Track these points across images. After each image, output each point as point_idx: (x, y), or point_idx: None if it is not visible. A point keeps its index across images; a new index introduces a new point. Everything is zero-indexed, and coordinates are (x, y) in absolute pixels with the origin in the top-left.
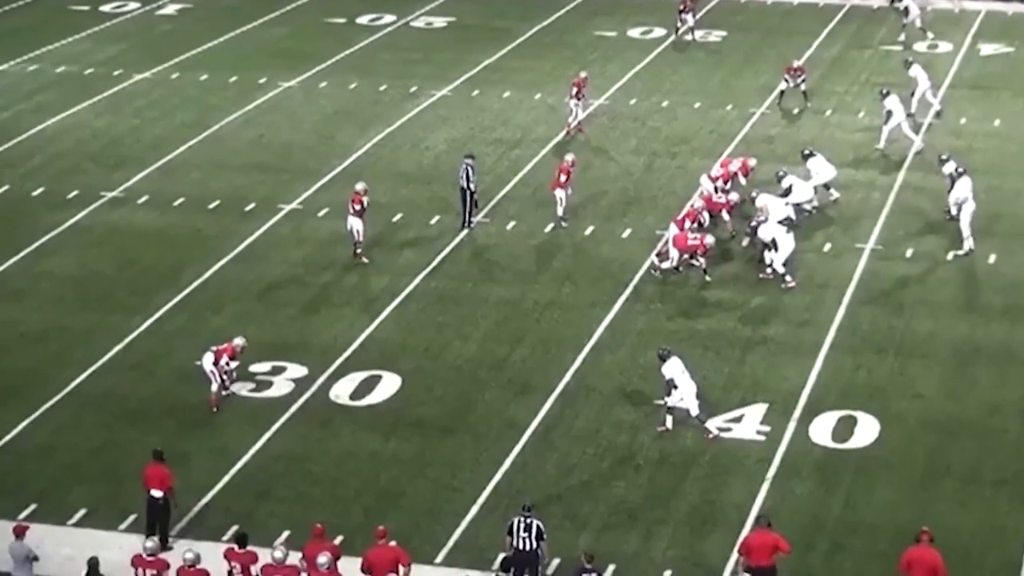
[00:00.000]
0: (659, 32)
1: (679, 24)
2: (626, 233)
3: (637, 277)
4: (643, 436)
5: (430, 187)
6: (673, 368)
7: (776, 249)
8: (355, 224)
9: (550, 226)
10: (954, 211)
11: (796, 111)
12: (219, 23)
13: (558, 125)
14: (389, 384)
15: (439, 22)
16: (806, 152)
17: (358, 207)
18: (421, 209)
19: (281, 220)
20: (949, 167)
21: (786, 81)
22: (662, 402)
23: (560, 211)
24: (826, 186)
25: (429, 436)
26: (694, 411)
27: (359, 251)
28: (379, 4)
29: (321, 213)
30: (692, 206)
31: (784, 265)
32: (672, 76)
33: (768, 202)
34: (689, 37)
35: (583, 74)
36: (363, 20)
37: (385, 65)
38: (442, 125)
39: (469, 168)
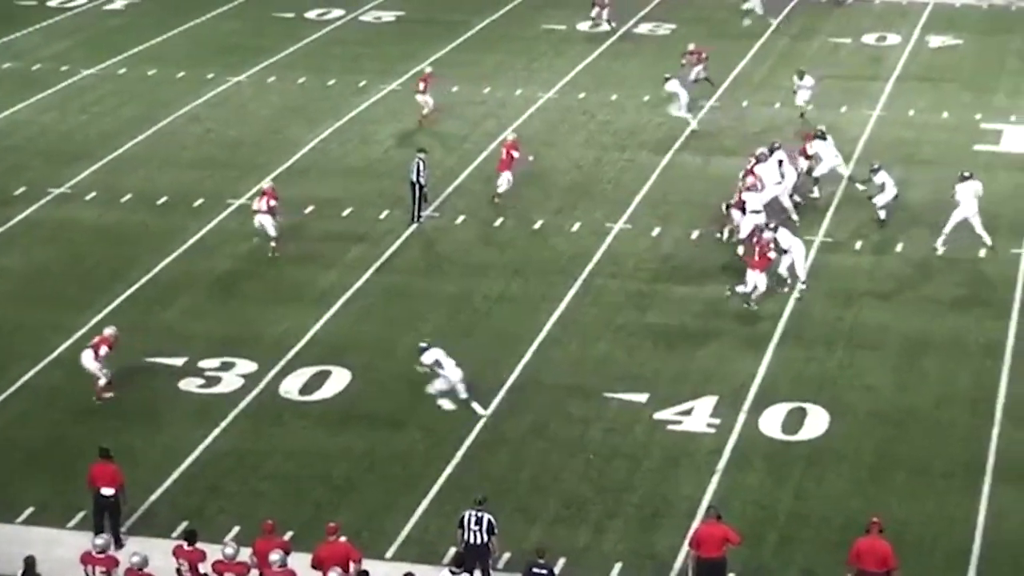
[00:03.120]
0: (608, 25)
1: (595, 18)
2: (576, 227)
3: (587, 271)
4: (593, 430)
5: (379, 182)
6: (435, 355)
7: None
8: (264, 222)
9: (499, 220)
10: (882, 215)
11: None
12: (167, 18)
13: (508, 119)
14: (339, 379)
15: (388, 16)
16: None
17: (266, 206)
18: (371, 204)
19: (230, 215)
20: (881, 176)
21: (683, 65)
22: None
23: (500, 190)
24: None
25: (379, 431)
26: (463, 395)
27: (275, 247)
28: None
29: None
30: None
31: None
32: (621, 70)
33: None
34: (603, 28)
35: (428, 70)
36: (311, 15)
37: (334, 60)
38: (391, 120)
39: (420, 162)
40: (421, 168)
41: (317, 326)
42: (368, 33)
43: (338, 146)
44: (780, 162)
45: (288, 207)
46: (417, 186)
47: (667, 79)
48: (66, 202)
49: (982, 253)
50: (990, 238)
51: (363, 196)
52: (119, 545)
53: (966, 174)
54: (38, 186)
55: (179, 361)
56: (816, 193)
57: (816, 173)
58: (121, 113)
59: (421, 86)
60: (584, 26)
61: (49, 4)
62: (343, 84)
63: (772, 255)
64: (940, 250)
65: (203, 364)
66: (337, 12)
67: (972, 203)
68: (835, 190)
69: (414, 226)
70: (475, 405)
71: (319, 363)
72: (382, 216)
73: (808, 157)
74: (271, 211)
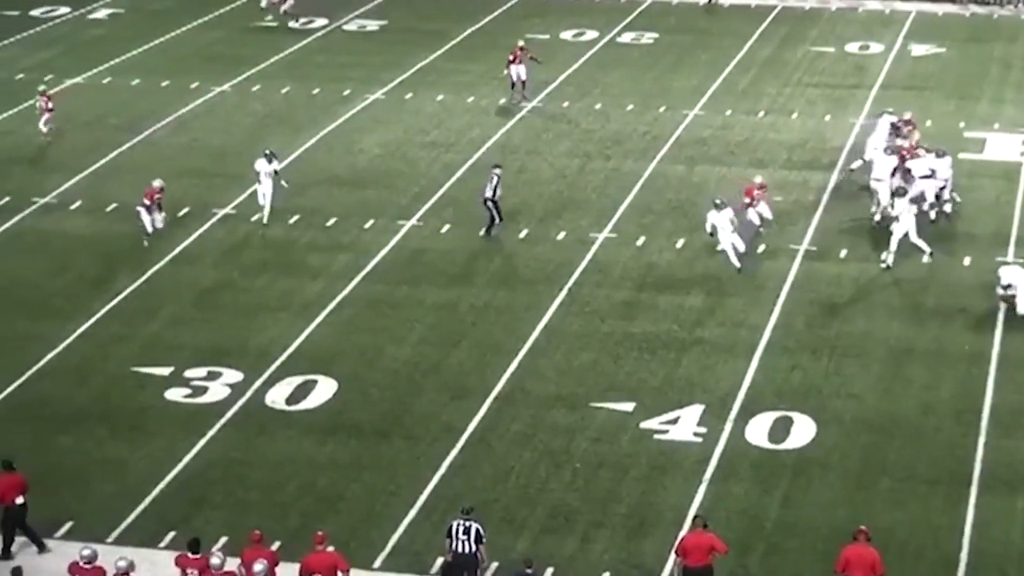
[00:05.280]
0: (591, 35)
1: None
2: (561, 235)
3: (572, 280)
4: (580, 439)
5: (364, 191)
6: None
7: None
8: (144, 215)
9: (483, 229)
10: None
11: (729, 112)
12: (150, 27)
13: (492, 127)
14: (325, 389)
15: (372, 25)
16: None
17: (148, 202)
18: (355, 213)
19: (215, 225)
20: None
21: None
22: None
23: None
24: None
25: (366, 440)
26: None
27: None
28: (311, 7)
29: (255, 217)
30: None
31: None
32: (605, 78)
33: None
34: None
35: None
36: (295, 24)
37: (318, 69)
38: (376, 128)
39: (496, 178)
40: (496, 184)
41: (303, 336)
42: (352, 42)
43: (323, 155)
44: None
45: (276, 217)
46: (492, 201)
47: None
48: (50, 212)
49: (967, 261)
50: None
51: (348, 205)
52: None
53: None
54: (22, 196)
55: (165, 371)
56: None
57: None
58: (105, 122)
59: (511, 57)
60: (568, 35)
61: (32, 14)
62: (327, 93)
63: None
64: (926, 259)
65: (189, 374)
66: (321, 21)
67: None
68: (819, 199)
69: (487, 239)
70: None
71: (305, 373)
72: (367, 225)
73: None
74: (149, 208)
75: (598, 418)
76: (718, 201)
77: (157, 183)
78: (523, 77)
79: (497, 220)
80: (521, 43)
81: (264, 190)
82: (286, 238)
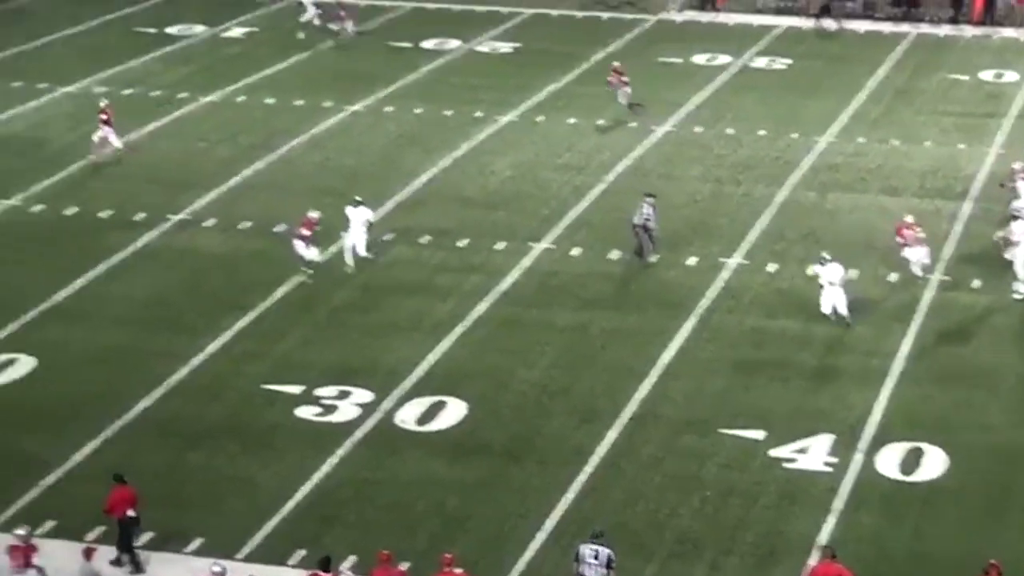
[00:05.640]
0: (724, 59)
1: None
2: (692, 260)
3: (703, 305)
4: (709, 465)
5: (495, 213)
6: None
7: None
8: (301, 247)
9: (615, 253)
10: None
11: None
12: (285, 46)
13: (623, 151)
14: (455, 410)
15: (504, 47)
16: None
17: (307, 233)
18: (487, 234)
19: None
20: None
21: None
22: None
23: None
24: None
25: (495, 462)
26: None
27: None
28: (444, 29)
29: (387, 237)
30: None
31: None
32: (737, 103)
33: None
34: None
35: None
36: (428, 44)
37: (450, 90)
38: (507, 150)
39: (648, 206)
40: (648, 212)
41: (433, 356)
42: (484, 64)
43: (454, 176)
44: None
45: (403, 238)
46: (642, 228)
47: None
48: (185, 229)
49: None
50: None
51: (479, 227)
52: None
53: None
54: (157, 213)
55: (296, 389)
56: None
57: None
58: (239, 141)
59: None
60: (700, 59)
61: (168, 31)
62: (459, 114)
63: None
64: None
65: (320, 392)
66: (454, 43)
67: None
68: (952, 228)
69: (642, 266)
70: None
71: (435, 393)
72: (498, 247)
73: None
74: (305, 238)
75: (727, 445)
76: (826, 256)
77: (314, 214)
78: (623, 99)
79: (649, 246)
80: (616, 64)
81: (353, 238)
82: (417, 258)
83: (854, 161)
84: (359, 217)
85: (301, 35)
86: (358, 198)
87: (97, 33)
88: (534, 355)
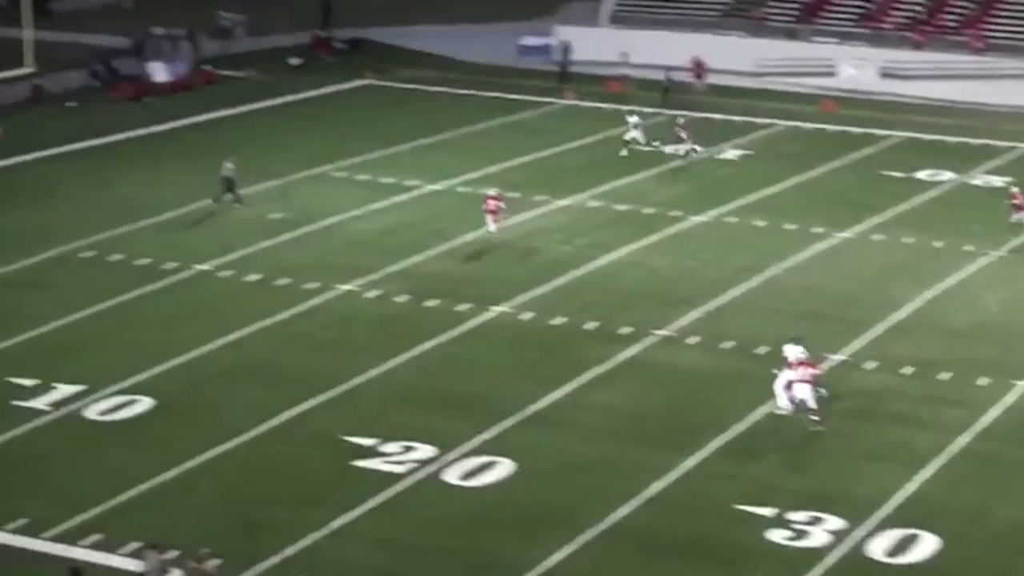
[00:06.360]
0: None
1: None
2: None
3: None
4: None
5: (981, 347)
6: None
7: None
8: (808, 392)
9: None
10: None
11: None
12: (779, 170)
13: None
14: (928, 544)
15: (996, 181)
16: None
17: (818, 373)
18: (971, 369)
19: (828, 371)
20: None
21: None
22: None
23: None
24: None
25: None
26: None
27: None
28: (939, 160)
29: (870, 366)
30: None
31: None
32: None
33: None
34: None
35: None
36: (922, 175)
37: (941, 221)
38: (997, 286)
39: None
40: None
41: (910, 488)
42: (977, 197)
43: (941, 307)
44: None
45: (887, 366)
46: None
47: None
48: (668, 344)
49: None
50: None
51: (964, 360)
52: None
53: None
54: (643, 327)
55: (768, 512)
56: None
57: None
58: (728, 261)
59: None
60: None
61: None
62: (950, 247)
63: None
64: None
65: (791, 516)
66: (948, 175)
67: None
68: None
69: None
70: None
71: (908, 526)
72: (981, 382)
73: None
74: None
75: None
76: None
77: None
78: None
79: None
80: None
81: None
82: (900, 388)
83: None
84: (791, 354)
85: (624, 152)
86: (795, 336)
87: (596, 148)
88: (1014, 492)
